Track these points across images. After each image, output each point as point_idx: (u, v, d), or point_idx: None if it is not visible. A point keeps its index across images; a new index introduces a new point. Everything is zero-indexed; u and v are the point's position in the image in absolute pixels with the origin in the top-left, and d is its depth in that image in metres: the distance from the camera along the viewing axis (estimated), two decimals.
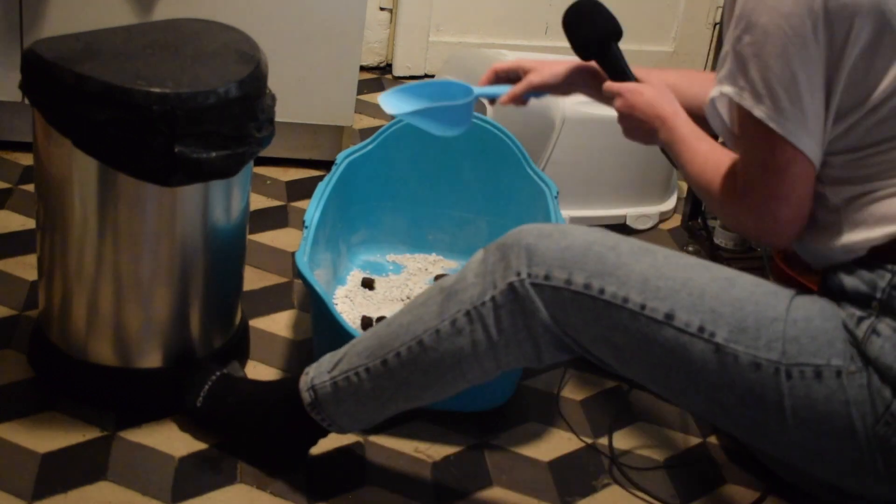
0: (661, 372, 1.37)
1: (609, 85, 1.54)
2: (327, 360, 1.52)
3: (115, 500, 1.49)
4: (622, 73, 1.55)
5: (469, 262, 1.46)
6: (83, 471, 1.53)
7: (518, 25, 3.17)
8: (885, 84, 1.28)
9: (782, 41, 1.26)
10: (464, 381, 1.46)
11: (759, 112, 1.28)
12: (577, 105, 2.29)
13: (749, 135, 1.32)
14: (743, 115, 1.32)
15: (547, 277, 1.37)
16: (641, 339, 1.35)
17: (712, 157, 1.40)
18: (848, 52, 1.27)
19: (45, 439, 1.58)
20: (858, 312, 1.30)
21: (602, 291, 1.35)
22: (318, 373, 1.51)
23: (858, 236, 1.32)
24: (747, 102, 1.29)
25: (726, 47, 1.33)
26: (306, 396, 1.51)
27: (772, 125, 1.28)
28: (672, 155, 1.46)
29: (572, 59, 1.61)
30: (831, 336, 1.30)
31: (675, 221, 2.51)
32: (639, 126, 1.50)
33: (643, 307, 1.34)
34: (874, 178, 1.32)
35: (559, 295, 1.37)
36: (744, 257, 2.22)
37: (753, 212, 1.33)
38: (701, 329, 1.32)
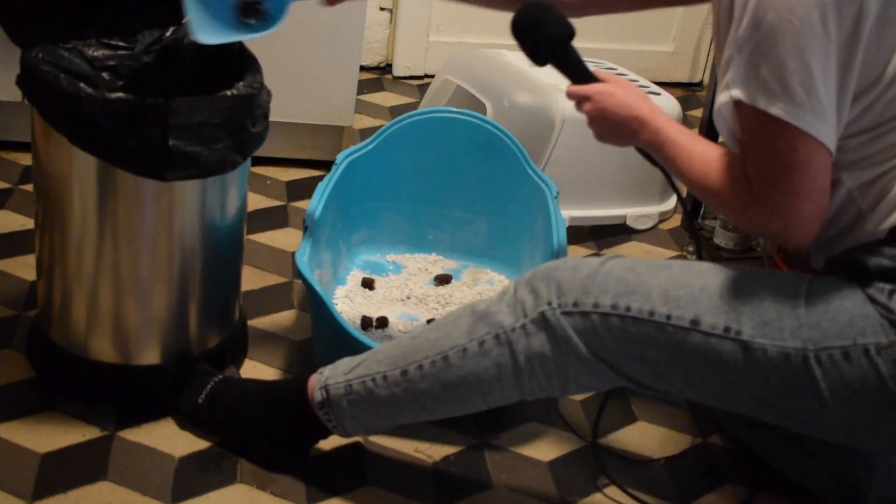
0: (697, 379, 1.38)
1: (574, 89, 1.48)
2: (344, 363, 1.52)
3: (115, 500, 1.49)
4: (584, 74, 1.48)
5: (500, 293, 1.46)
6: (83, 471, 1.53)
7: None
8: None
9: (793, 35, 1.23)
10: (482, 402, 1.47)
11: (775, 110, 1.26)
12: None
13: (764, 135, 1.29)
14: (755, 118, 1.29)
15: (576, 304, 1.39)
16: (672, 349, 1.36)
17: (714, 161, 1.36)
18: (861, 31, 1.25)
19: (45, 439, 1.58)
20: (888, 286, 1.30)
21: (628, 309, 1.37)
22: (333, 373, 1.51)
23: (885, 217, 1.32)
24: (761, 103, 1.27)
25: (728, 51, 1.30)
26: (317, 395, 1.51)
27: (791, 121, 1.26)
28: (660, 158, 1.43)
29: None
30: (852, 315, 1.30)
31: (675, 221, 2.51)
32: (612, 129, 1.46)
33: (668, 317, 1.36)
34: (891, 157, 1.32)
35: (589, 319, 1.39)
36: (744, 257, 2.22)
37: (777, 213, 1.30)
38: (727, 329, 1.34)
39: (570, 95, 1.48)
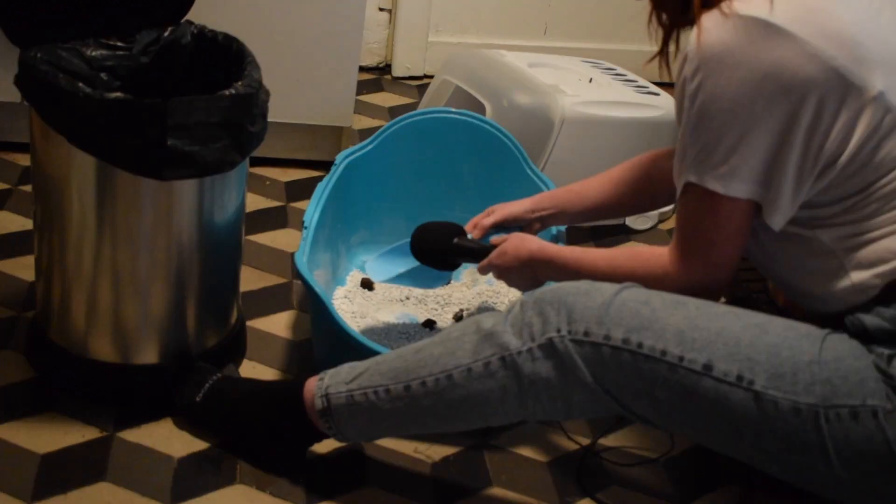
0: (704, 423, 1.37)
1: (481, 267, 1.71)
2: (346, 370, 1.51)
3: (115, 500, 1.49)
4: (480, 252, 1.72)
5: (506, 311, 1.45)
6: (83, 471, 1.53)
7: (517, 25, 3.17)
8: (856, 137, 1.31)
9: (730, 117, 1.33)
10: (484, 421, 1.46)
11: (692, 178, 1.39)
12: (577, 105, 2.29)
13: (694, 204, 1.42)
14: (694, 190, 1.40)
15: (586, 334, 1.38)
16: (682, 392, 1.35)
17: (616, 255, 1.54)
18: (795, 127, 1.32)
19: (45, 439, 1.58)
20: (887, 351, 1.30)
21: (640, 346, 1.36)
22: (334, 381, 1.50)
23: (869, 274, 1.33)
24: (692, 177, 1.39)
25: (681, 140, 1.40)
26: (318, 402, 1.50)
27: (710, 186, 1.37)
28: (566, 276, 1.54)
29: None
30: (863, 375, 1.29)
31: (674, 222, 2.50)
32: (520, 279, 1.66)
33: (681, 359, 1.34)
34: (869, 218, 1.34)
35: (598, 351, 1.37)
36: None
37: (703, 268, 1.43)
38: (739, 378, 1.32)
39: (481, 272, 1.72)
